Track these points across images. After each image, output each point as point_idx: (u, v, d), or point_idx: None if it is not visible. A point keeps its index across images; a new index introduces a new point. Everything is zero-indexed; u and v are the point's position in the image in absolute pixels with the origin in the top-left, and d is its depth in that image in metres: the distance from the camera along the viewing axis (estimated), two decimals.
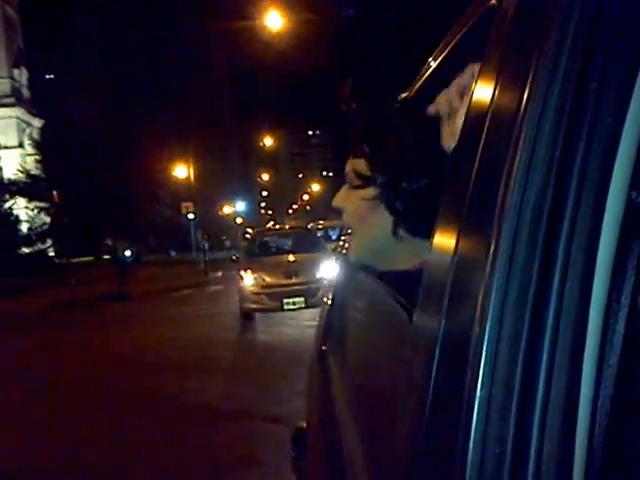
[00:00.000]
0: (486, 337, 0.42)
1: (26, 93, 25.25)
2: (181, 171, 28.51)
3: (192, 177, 28.20)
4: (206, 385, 6.67)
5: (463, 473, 0.42)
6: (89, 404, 6.23)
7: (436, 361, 0.49)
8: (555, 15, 0.44)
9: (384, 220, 0.94)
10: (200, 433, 5.12)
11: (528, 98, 0.44)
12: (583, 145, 0.41)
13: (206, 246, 25.19)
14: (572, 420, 0.40)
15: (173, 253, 29.83)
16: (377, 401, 0.87)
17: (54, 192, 19.17)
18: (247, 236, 20.24)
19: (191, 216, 24.82)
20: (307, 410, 1.75)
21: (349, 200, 1.02)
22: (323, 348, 1.67)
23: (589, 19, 0.42)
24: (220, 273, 21.88)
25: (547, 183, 0.42)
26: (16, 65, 24.51)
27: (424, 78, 1.14)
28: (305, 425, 1.66)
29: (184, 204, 24.68)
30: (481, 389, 0.42)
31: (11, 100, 23.86)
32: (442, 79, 0.96)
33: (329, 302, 1.80)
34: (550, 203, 0.42)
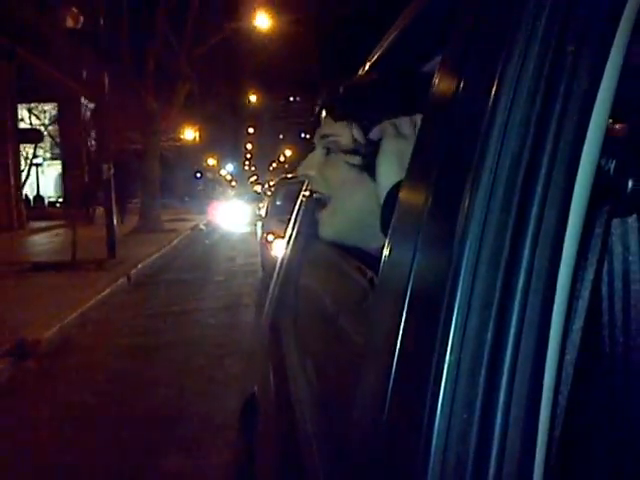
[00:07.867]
0: (457, 304, 0.42)
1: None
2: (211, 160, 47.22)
3: (216, 163, 48.87)
4: None
5: (430, 439, 0.42)
6: None
7: (403, 326, 0.49)
8: None
9: (370, 192, 0.85)
10: None
11: (503, 66, 0.43)
12: (558, 111, 0.41)
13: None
14: (538, 386, 0.41)
15: (187, 199, 44.34)
16: (336, 368, 0.87)
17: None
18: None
19: (198, 175, 42.58)
20: (259, 381, 1.75)
21: (329, 166, 0.91)
22: (275, 317, 1.66)
23: None
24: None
25: (522, 149, 0.42)
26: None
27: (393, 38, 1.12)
28: (256, 391, 1.66)
29: (208, 173, 43.66)
30: (450, 354, 0.42)
31: None
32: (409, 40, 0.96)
33: (280, 274, 1.79)
34: (523, 170, 0.42)
